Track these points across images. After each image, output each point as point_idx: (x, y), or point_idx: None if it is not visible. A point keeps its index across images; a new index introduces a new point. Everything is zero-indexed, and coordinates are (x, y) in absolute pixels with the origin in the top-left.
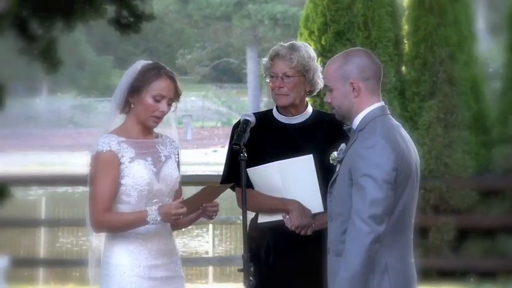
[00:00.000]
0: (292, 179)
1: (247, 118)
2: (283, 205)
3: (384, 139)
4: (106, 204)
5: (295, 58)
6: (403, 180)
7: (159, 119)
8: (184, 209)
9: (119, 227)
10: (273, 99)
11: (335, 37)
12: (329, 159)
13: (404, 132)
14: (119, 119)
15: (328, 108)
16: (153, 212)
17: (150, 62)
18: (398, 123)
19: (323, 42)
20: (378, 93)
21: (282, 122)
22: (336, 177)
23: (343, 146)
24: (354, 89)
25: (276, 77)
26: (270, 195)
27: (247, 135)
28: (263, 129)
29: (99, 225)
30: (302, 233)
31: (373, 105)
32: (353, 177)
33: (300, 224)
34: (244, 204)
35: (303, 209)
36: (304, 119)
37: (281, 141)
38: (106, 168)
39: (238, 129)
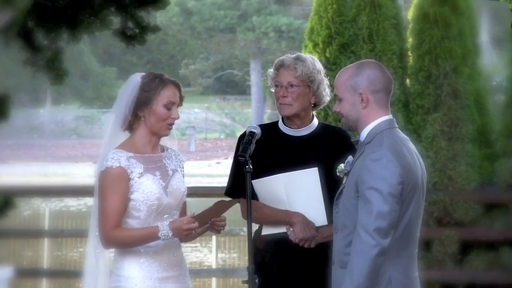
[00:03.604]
0: (296, 191)
1: (253, 130)
2: (287, 217)
3: (391, 152)
4: (116, 220)
5: (300, 68)
6: (409, 194)
7: (171, 126)
8: (196, 224)
9: (129, 243)
10: (278, 110)
11: (339, 49)
12: (334, 172)
13: (411, 146)
14: (123, 135)
15: (331, 120)
16: (164, 228)
17: (146, 73)
18: (406, 136)
19: (327, 55)
20: (386, 106)
21: (287, 134)
22: (342, 189)
23: (350, 158)
24: (362, 100)
25: (280, 87)
26: (274, 207)
27: (252, 147)
28: (268, 141)
29: (109, 241)
30: (306, 246)
31: (381, 118)
32: (359, 189)
33: (304, 237)
34: (249, 215)
35: (306, 222)
36: (309, 131)
37: (286, 153)
38: (116, 184)
39: (244, 141)
